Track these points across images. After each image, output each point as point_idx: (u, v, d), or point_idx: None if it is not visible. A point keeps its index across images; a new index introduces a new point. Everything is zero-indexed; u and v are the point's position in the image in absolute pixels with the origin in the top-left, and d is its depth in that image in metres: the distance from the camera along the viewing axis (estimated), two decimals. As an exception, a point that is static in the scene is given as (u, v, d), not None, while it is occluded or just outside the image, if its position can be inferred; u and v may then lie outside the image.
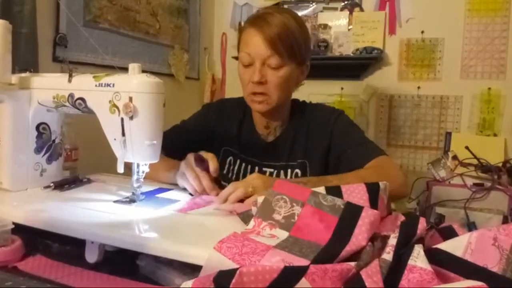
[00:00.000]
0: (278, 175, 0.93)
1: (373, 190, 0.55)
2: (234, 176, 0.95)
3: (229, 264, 0.42)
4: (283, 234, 0.49)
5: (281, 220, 0.50)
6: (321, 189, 0.56)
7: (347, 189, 0.56)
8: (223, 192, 0.68)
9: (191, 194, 0.74)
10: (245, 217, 0.61)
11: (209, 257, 0.44)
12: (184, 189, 0.76)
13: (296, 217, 0.50)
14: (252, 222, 0.51)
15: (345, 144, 0.88)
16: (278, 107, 0.90)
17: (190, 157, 0.74)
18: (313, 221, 0.49)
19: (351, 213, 0.48)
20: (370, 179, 0.58)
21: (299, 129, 0.95)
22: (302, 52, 0.87)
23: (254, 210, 0.61)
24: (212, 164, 0.73)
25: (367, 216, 0.48)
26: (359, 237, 0.45)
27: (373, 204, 0.54)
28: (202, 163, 0.73)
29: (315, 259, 0.42)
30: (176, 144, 0.88)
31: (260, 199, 0.58)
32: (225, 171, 0.96)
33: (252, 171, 0.94)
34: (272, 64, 0.84)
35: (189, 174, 0.72)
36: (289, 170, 0.92)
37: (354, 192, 0.55)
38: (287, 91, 0.90)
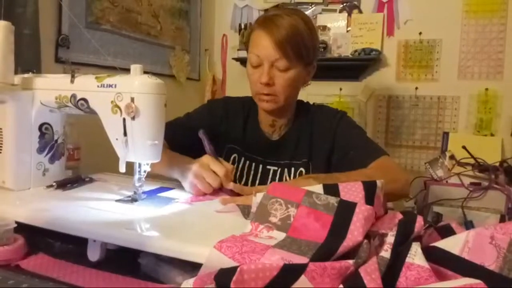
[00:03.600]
0: (281, 173, 0.94)
1: (369, 188, 0.56)
2: (238, 173, 0.96)
3: (229, 263, 0.42)
4: (280, 235, 0.49)
5: (277, 222, 0.51)
6: (319, 187, 0.57)
7: (344, 187, 0.57)
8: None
9: None
10: (245, 208, 0.62)
11: (209, 256, 0.44)
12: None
13: (292, 219, 0.50)
14: (249, 226, 0.52)
15: (348, 146, 0.89)
16: (285, 106, 0.92)
17: (206, 159, 0.74)
18: (309, 221, 0.50)
19: (345, 210, 0.49)
20: (375, 178, 0.59)
21: (303, 129, 0.96)
22: (310, 54, 0.88)
23: (254, 206, 0.62)
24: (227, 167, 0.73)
25: (361, 211, 0.48)
26: (354, 232, 0.46)
27: (369, 202, 0.55)
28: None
29: (314, 256, 0.42)
30: (179, 137, 0.88)
31: (259, 196, 0.59)
32: None
33: (256, 169, 0.95)
34: (280, 66, 0.85)
35: (207, 175, 0.72)
36: (292, 169, 0.93)
37: (351, 190, 0.56)
38: (295, 92, 0.92)
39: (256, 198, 0.60)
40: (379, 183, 0.57)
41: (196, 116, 0.99)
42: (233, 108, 1.00)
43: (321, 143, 0.92)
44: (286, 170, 0.93)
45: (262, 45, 0.85)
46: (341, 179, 0.69)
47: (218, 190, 0.75)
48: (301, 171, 0.92)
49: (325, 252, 0.43)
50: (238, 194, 0.73)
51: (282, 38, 0.82)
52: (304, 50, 0.86)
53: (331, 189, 0.56)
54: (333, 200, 0.51)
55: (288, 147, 0.95)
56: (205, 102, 1.07)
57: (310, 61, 0.91)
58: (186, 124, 0.95)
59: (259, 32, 0.86)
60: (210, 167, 0.73)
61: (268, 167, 0.95)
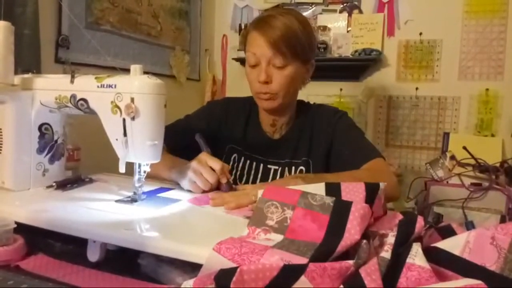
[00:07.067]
0: (282, 173, 0.94)
1: (371, 189, 0.56)
2: (238, 173, 0.96)
3: (228, 265, 0.42)
4: (278, 237, 0.49)
5: (274, 225, 0.51)
6: (321, 186, 0.57)
7: (346, 186, 0.57)
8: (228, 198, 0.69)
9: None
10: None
11: (209, 258, 0.44)
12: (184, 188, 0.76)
13: (288, 221, 0.50)
14: (246, 230, 0.51)
15: (343, 145, 0.90)
16: (285, 104, 0.92)
17: (204, 156, 0.76)
18: (305, 222, 0.50)
19: (341, 210, 0.49)
20: (363, 180, 0.59)
21: (304, 128, 0.96)
22: (306, 51, 0.89)
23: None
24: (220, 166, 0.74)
25: (357, 210, 0.49)
26: (351, 231, 0.46)
27: (369, 202, 0.54)
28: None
29: (313, 256, 0.42)
30: (179, 139, 0.88)
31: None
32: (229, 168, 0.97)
33: (257, 168, 0.95)
34: (276, 64, 0.86)
35: (205, 170, 0.73)
36: (293, 168, 0.93)
37: (353, 190, 0.56)
38: (294, 89, 0.92)
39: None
40: (382, 185, 0.57)
41: (195, 118, 1.00)
42: (234, 108, 1.01)
43: (320, 142, 0.93)
44: (286, 169, 0.94)
45: (257, 45, 0.87)
46: (329, 180, 0.69)
47: (216, 188, 0.75)
48: (302, 170, 0.93)
49: (324, 252, 0.43)
50: (233, 189, 0.74)
51: (276, 37, 0.84)
52: (299, 47, 0.87)
53: (333, 188, 0.56)
54: (328, 200, 0.51)
55: (289, 146, 0.95)
56: (206, 103, 1.07)
57: (307, 59, 0.91)
58: (185, 127, 0.96)
59: (253, 33, 0.88)
60: (207, 163, 0.74)
61: (269, 166, 0.95)
